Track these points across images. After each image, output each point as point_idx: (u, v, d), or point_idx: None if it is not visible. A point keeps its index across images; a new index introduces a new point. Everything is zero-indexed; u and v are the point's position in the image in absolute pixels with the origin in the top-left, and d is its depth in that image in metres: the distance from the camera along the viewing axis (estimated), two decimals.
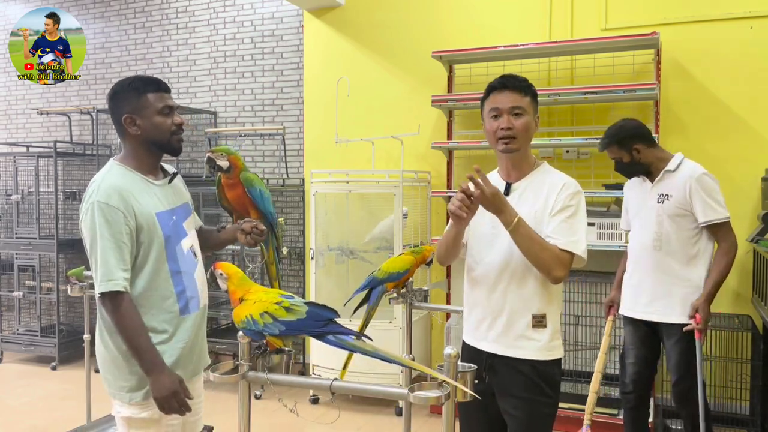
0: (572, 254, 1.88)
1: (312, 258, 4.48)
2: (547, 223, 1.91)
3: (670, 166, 2.88)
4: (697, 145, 4.01)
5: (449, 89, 4.59)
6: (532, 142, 4.07)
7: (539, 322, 1.93)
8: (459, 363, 1.49)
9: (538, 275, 1.90)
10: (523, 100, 1.97)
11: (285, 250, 5.16)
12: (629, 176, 3.07)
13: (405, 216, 4.29)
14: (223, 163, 2.09)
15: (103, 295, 1.83)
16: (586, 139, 3.97)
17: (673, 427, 3.49)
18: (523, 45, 4.18)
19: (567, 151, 4.24)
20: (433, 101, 4.35)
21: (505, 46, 4.21)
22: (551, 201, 1.93)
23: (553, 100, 4.07)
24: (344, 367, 2.56)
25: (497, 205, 1.82)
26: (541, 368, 1.95)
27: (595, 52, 4.18)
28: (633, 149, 2.92)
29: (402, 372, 2.79)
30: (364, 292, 2.61)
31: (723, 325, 3.69)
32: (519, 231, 1.83)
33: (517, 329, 1.94)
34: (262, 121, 5.42)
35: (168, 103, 1.99)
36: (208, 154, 2.08)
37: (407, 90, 4.79)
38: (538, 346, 1.94)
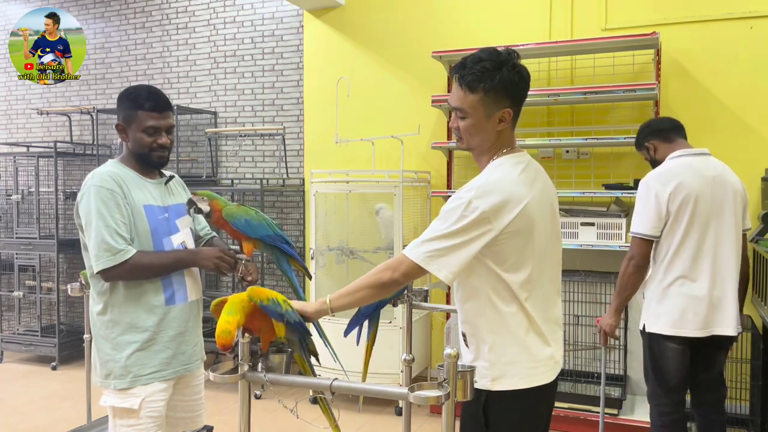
0: (407, 258, 1.67)
1: (312, 258, 4.48)
2: None
3: None
4: (697, 145, 3.98)
5: (449, 89, 4.59)
6: (533, 142, 4.14)
7: (464, 340, 1.78)
8: (459, 363, 1.49)
9: (463, 289, 1.75)
10: (467, 98, 1.70)
11: None
12: None
13: (377, 213, 4.31)
14: (204, 207, 2.12)
15: (102, 272, 1.93)
16: (586, 139, 3.97)
17: None
18: (523, 45, 4.18)
19: (567, 151, 4.24)
20: (433, 101, 4.35)
21: (505, 47, 4.19)
22: None
23: (553, 100, 4.08)
24: (365, 369, 2.51)
25: (309, 319, 1.81)
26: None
27: (595, 52, 4.18)
28: (647, 147, 2.91)
29: (402, 372, 2.79)
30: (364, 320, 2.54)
31: None
32: (338, 306, 1.78)
33: (460, 343, 1.82)
34: (262, 121, 5.42)
35: (154, 124, 2.06)
36: (190, 196, 2.14)
37: (407, 90, 4.79)
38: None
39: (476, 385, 1.69)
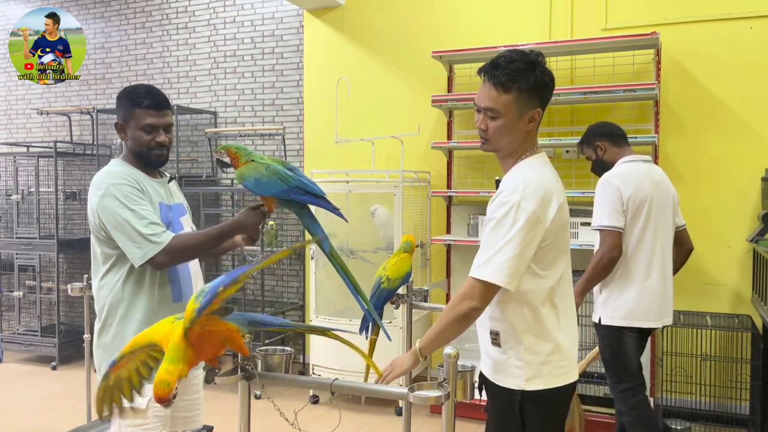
0: (478, 281, 1.65)
1: (312, 258, 4.48)
2: None
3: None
4: (697, 145, 4.02)
5: (449, 89, 4.59)
6: None
7: (494, 339, 1.77)
8: (459, 363, 1.49)
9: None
10: (500, 98, 1.69)
11: None
12: (599, 175, 3.11)
13: (373, 214, 4.31)
14: (226, 160, 2.05)
15: (149, 261, 1.93)
16: None
17: (674, 426, 3.49)
18: (523, 45, 4.18)
19: (567, 151, 4.23)
20: (433, 101, 4.35)
21: (505, 46, 4.20)
22: (487, 212, 1.73)
23: (553, 100, 4.04)
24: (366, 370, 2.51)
25: (403, 372, 1.76)
26: (497, 391, 1.77)
27: (595, 52, 4.18)
28: (597, 147, 3.06)
29: None
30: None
31: (723, 325, 3.69)
32: (428, 351, 1.73)
33: (483, 341, 1.83)
34: (262, 121, 5.42)
35: (152, 122, 2.05)
36: (215, 156, 2.09)
37: (407, 90, 4.79)
38: (491, 365, 1.79)
39: (510, 386, 1.73)
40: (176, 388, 1.42)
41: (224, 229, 2.02)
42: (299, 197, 1.96)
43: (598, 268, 2.83)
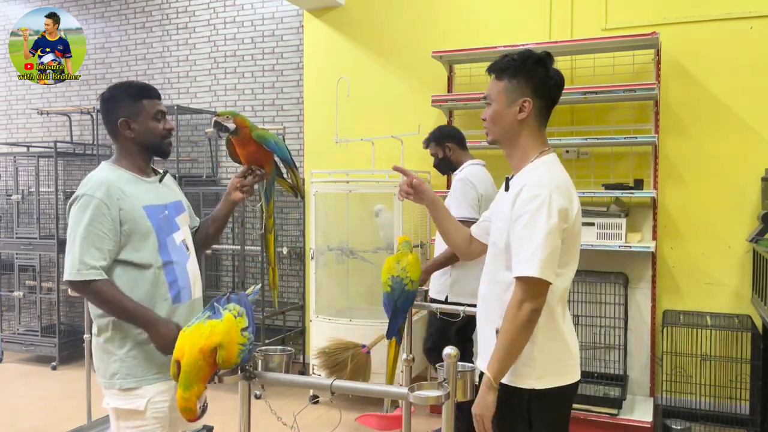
0: (527, 277, 1.62)
1: (312, 258, 4.47)
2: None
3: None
4: (697, 145, 4.02)
5: (449, 89, 4.59)
6: None
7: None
8: (459, 363, 1.49)
9: (501, 289, 1.74)
10: (494, 86, 1.80)
11: (285, 250, 5.16)
12: (443, 172, 3.69)
13: (377, 215, 4.31)
14: (230, 125, 2.09)
15: (70, 282, 1.93)
16: (586, 139, 3.97)
17: (674, 426, 3.49)
18: (523, 45, 4.17)
19: (567, 151, 4.23)
20: (433, 101, 4.35)
21: (505, 47, 4.20)
22: (513, 209, 1.71)
23: None
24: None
25: (490, 410, 1.67)
26: (503, 390, 1.69)
27: (595, 52, 4.17)
28: (446, 147, 3.48)
29: (402, 372, 2.79)
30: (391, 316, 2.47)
31: (723, 325, 3.69)
32: (501, 374, 1.65)
33: (485, 338, 1.81)
34: (262, 121, 5.42)
35: (160, 108, 2.09)
36: (214, 118, 2.10)
37: (407, 90, 4.79)
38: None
39: (519, 385, 1.71)
40: (200, 406, 1.51)
41: (138, 313, 1.93)
42: (292, 163, 2.26)
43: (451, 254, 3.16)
